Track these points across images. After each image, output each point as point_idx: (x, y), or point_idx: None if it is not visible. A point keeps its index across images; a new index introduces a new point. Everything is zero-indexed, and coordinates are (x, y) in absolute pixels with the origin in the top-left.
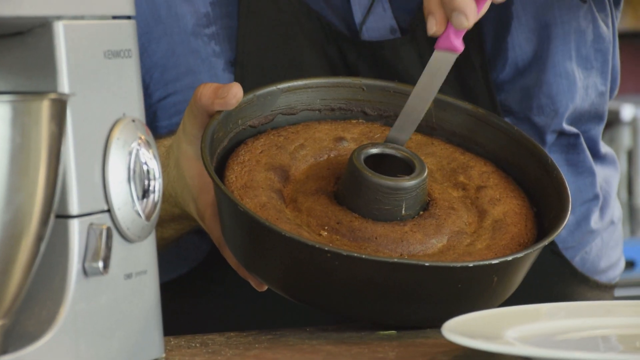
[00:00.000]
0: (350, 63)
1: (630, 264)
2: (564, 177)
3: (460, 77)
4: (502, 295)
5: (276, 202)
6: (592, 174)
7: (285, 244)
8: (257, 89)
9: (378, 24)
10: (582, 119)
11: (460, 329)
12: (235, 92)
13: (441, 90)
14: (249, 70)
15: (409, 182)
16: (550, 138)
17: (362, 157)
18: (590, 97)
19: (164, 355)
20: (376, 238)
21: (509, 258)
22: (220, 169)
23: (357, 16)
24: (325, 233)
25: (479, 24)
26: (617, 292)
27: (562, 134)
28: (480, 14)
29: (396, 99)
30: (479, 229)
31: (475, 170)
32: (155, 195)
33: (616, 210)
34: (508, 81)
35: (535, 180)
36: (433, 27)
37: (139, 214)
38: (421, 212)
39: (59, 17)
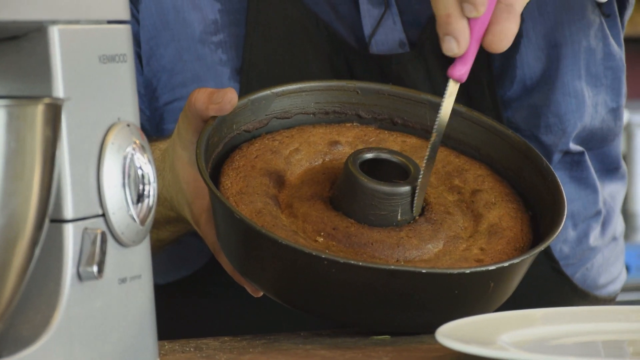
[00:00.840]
0: (357, 75)
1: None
2: (559, 181)
3: (467, 94)
4: (498, 300)
5: (272, 208)
6: (595, 190)
7: (281, 251)
8: (251, 94)
9: (387, 37)
10: (594, 137)
11: (454, 334)
12: (230, 98)
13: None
14: (255, 80)
15: (404, 187)
16: (556, 157)
17: (358, 162)
18: (600, 115)
19: (158, 359)
20: (372, 244)
21: (506, 264)
22: (215, 175)
23: (367, 28)
24: (322, 239)
25: None
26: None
27: (567, 152)
28: (473, 46)
29: (391, 102)
30: (475, 234)
31: (470, 174)
32: (150, 200)
33: (619, 225)
34: (515, 99)
35: (530, 183)
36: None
37: (133, 219)
38: (417, 217)
39: (54, 22)
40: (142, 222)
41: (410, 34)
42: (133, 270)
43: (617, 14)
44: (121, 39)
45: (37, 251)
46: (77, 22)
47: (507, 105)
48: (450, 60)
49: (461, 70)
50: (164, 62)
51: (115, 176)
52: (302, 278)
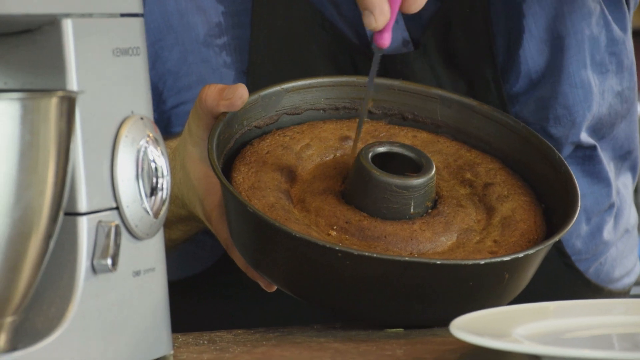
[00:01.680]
0: (362, 74)
1: None
2: (572, 172)
3: (473, 91)
4: (512, 292)
5: (284, 203)
6: (608, 184)
7: (295, 245)
8: (262, 90)
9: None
10: (603, 124)
11: (468, 327)
12: (241, 94)
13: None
14: (261, 81)
15: (417, 180)
16: (567, 150)
17: (370, 156)
18: (607, 101)
19: (172, 352)
20: (385, 237)
21: (520, 255)
22: (226, 170)
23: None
24: (334, 233)
25: (490, 37)
26: (634, 290)
27: (579, 146)
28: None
29: (401, 97)
30: (488, 226)
31: (482, 167)
32: (164, 193)
33: (631, 217)
34: (522, 93)
35: (543, 176)
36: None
37: (147, 212)
38: (429, 210)
39: (67, 15)
40: (156, 214)
41: (413, 32)
42: (147, 263)
43: None
44: (134, 31)
45: (52, 244)
46: (90, 15)
47: (514, 101)
48: (454, 57)
49: (382, 38)
50: (169, 65)
51: (129, 169)
52: (316, 271)
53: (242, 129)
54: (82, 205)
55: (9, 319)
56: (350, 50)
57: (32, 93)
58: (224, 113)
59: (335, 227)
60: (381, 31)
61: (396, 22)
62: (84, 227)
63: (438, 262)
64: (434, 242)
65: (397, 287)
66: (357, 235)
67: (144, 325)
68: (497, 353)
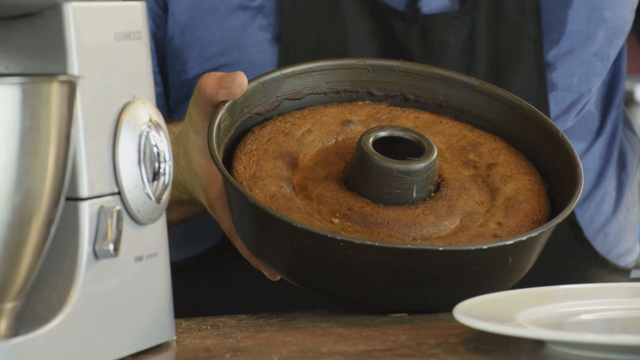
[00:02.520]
0: (399, 38)
1: None
2: (575, 150)
3: (513, 53)
4: (518, 275)
5: (286, 191)
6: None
7: (297, 235)
8: (261, 76)
9: None
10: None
11: (472, 312)
12: (240, 82)
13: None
14: (293, 45)
15: (418, 165)
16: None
17: (371, 140)
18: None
19: (175, 337)
20: (388, 223)
21: (524, 238)
22: (228, 159)
23: None
24: (337, 220)
25: None
26: (636, 273)
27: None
28: None
29: (402, 78)
30: (492, 208)
31: (485, 148)
32: (166, 178)
33: (632, 196)
34: (561, 57)
35: (546, 155)
36: None
37: (149, 197)
38: (432, 194)
39: None
40: (158, 199)
41: None
42: (149, 248)
43: None
44: (136, 16)
45: (53, 229)
46: None
47: (552, 67)
48: (500, 14)
49: None
50: (199, 32)
51: (130, 154)
52: (318, 260)
53: (242, 116)
54: (84, 190)
55: (10, 305)
56: (385, 13)
57: (33, 77)
58: (224, 101)
59: (337, 215)
60: None
61: None
62: (86, 212)
63: (441, 249)
64: (438, 226)
65: (401, 274)
66: (360, 222)
67: (146, 310)
68: (502, 338)
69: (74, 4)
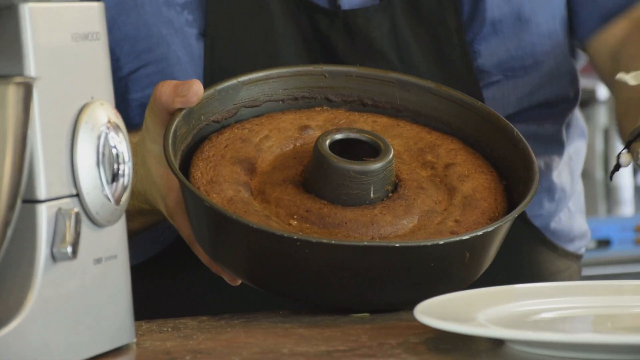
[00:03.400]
0: (323, 33)
1: (606, 243)
2: (529, 148)
3: (436, 44)
4: (476, 271)
5: (243, 196)
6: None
7: (254, 236)
8: (218, 84)
9: None
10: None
11: (432, 311)
12: (196, 90)
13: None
14: (219, 41)
15: (375, 165)
16: (526, 102)
17: (327, 143)
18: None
19: (135, 340)
20: (346, 223)
21: (480, 232)
22: (185, 167)
23: None
24: (295, 222)
25: None
26: (593, 270)
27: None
28: None
29: (359, 83)
30: (450, 207)
31: (442, 149)
32: (125, 179)
33: (579, 184)
34: (486, 44)
35: (502, 153)
36: None
37: (108, 198)
38: (390, 194)
39: (24, 0)
40: (117, 201)
41: None
42: (108, 250)
43: None
44: (94, 16)
45: (10, 232)
46: None
47: (477, 54)
48: (418, 9)
49: None
50: (127, 29)
51: (89, 155)
52: (277, 262)
53: (199, 124)
54: (41, 192)
55: None
56: (309, 9)
57: None
58: (180, 109)
59: (295, 217)
60: None
61: None
62: (43, 214)
63: (397, 245)
64: (395, 225)
65: (358, 272)
66: (318, 223)
67: (105, 313)
68: (462, 337)
69: (31, 4)
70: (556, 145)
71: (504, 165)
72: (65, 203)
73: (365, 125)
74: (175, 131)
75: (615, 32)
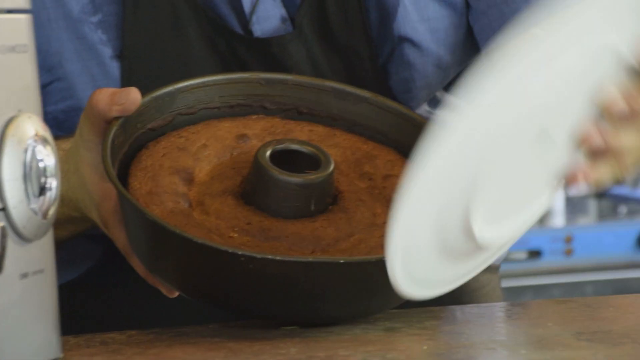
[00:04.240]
0: (241, 58)
1: (536, 254)
2: None
3: (350, 70)
4: None
5: (183, 207)
6: None
7: (197, 251)
8: (155, 91)
9: (268, 14)
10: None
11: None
12: (134, 98)
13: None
14: (136, 63)
15: (316, 178)
16: None
17: (267, 154)
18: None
19: (61, 355)
20: (287, 236)
21: None
22: (122, 176)
23: (247, 6)
24: (236, 235)
25: (363, 11)
26: (523, 281)
27: None
28: None
29: (295, 91)
30: (389, 219)
31: (380, 160)
32: (53, 193)
33: None
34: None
35: None
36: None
37: (35, 212)
38: (330, 207)
39: None
40: (44, 215)
41: (291, 10)
42: (35, 264)
43: None
44: (21, 28)
45: None
46: None
47: (389, 76)
48: (329, 36)
49: None
50: (39, 43)
51: (15, 169)
52: (220, 276)
53: (136, 132)
54: None
55: None
56: (226, 34)
57: None
58: (117, 117)
59: (236, 229)
60: None
61: (273, 0)
62: None
63: (341, 261)
64: (336, 238)
65: (302, 287)
66: (259, 236)
67: (32, 328)
68: (392, 350)
69: None
70: None
71: None
72: None
73: (301, 134)
74: (113, 140)
75: None
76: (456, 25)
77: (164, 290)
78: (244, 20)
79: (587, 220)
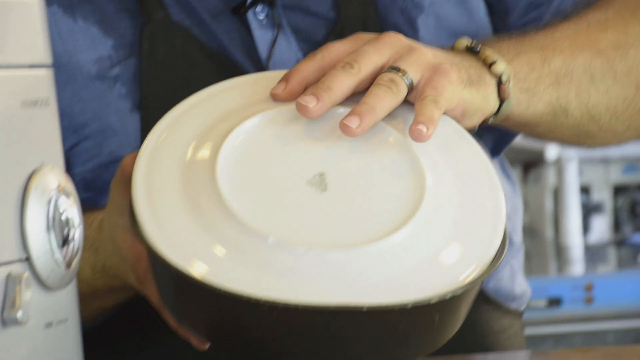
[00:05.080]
0: None
1: (556, 302)
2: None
3: None
4: (445, 334)
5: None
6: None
7: (216, 299)
8: None
9: (284, 57)
10: None
11: None
12: None
13: None
14: (154, 113)
15: None
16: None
17: None
18: None
19: None
20: None
21: (448, 297)
22: None
23: (263, 53)
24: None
25: None
26: (544, 329)
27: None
28: None
29: None
30: None
31: None
32: (76, 244)
33: (518, 237)
34: None
35: None
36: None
37: (58, 263)
38: None
39: None
40: (68, 265)
41: (311, 49)
42: (59, 314)
43: None
44: (43, 83)
45: None
46: None
47: None
48: None
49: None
50: (62, 105)
51: (39, 220)
52: (242, 325)
53: None
54: None
55: None
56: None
57: None
58: None
59: None
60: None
61: (288, 43)
62: None
63: (364, 310)
64: None
65: (325, 335)
66: None
67: None
68: None
69: None
70: None
71: None
72: (15, 267)
73: None
74: None
75: None
76: None
77: (194, 342)
78: (260, 66)
79: (607, 268)
